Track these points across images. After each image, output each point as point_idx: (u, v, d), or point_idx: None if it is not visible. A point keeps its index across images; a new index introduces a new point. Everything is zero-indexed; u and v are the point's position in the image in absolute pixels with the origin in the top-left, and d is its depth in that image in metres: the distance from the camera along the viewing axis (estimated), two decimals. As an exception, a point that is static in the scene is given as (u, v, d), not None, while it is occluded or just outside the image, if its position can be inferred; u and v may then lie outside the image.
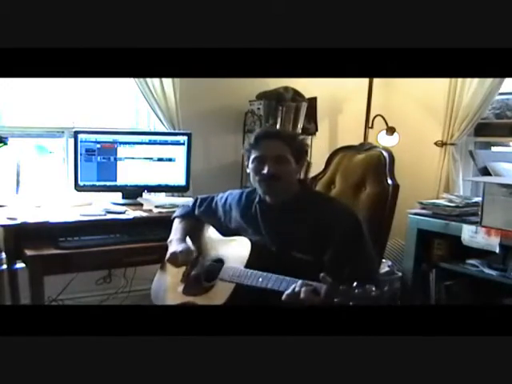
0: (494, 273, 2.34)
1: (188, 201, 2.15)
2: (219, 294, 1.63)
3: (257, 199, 1.74)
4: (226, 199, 1.89)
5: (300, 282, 1.38)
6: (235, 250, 1.70)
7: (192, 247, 1.84)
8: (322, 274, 1.32)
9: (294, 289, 1.37)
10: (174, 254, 1.77)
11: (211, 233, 1.90)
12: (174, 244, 1.83)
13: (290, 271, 1.49)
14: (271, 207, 1.71)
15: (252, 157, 1.67)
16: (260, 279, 1.52)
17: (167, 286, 1.88)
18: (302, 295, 1.34)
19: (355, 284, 1.26)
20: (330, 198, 1.79)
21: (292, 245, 1.62)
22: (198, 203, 1.99)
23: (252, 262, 1.61)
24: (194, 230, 1.95)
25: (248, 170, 1.72)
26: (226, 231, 1.83)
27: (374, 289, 1.25)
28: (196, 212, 1.98)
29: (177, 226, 1.96)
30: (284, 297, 1.39)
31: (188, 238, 1.91)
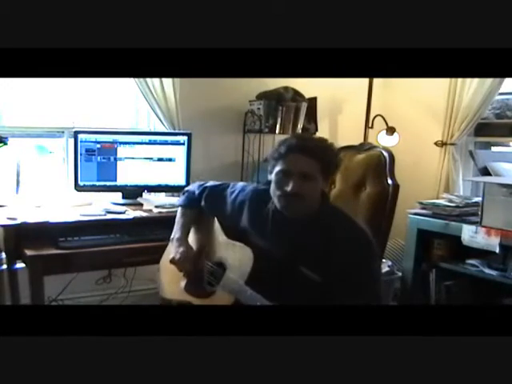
0: (494, 273, 2.34)
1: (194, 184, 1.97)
2: (220, 302, 1.63)
3: (272, 207, 1.63)
4: (237, 196, 1.77)
5: None
6: (238, 259, 1.65)
7: (195, 250, 1.80)
8: None
9: None
10: (175, 260, 1.75)
11: (215, 230, 1.82)
12: (177, 247, 1.78)
13: (292, 287, 1.48)
14: (287, 219, 1.61)
15: (277, 169, 1.55)
16: (258, 304, 1.49)
17: (170, 278, 1.85)
18: None
19: None
20: (349, 218, 1.64)
21: (301, 260, 1.56)
22: (205, 194, 1.86)
23: (254, 276, 1.57)
24: (198, 223, 1.88)
25: (270, 177, 1.60)
26: (232, 231, 1.75)
27: None
28: (202, 203, 1.86)
29: (181, 220, 1.88)
30: None
31: (191, 234, 1.86)
